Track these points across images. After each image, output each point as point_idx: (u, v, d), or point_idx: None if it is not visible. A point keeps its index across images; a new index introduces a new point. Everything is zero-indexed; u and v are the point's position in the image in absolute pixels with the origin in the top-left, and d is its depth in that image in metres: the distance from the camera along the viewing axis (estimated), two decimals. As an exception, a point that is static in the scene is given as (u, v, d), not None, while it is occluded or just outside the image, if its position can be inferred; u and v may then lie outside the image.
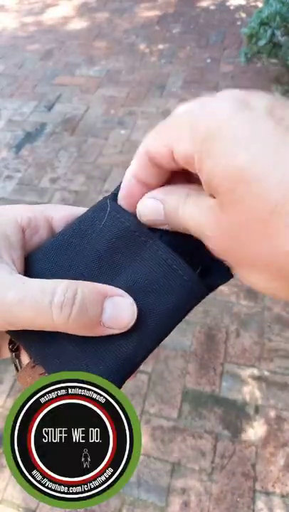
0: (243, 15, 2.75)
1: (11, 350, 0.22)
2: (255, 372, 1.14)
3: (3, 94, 2.36)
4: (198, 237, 0.18)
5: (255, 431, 1.03)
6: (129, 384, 1.13)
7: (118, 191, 0.22)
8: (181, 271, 0.20)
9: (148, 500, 0.95)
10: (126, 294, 0.19)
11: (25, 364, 0.21)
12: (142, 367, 1.00)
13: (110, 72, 2.42)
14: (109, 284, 0.20)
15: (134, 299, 0.19)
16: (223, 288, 1.33)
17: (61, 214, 0.22)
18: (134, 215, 0.21)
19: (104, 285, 0.19)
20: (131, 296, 0.19)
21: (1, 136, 2.06)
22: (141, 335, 0.20)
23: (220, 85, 2.18)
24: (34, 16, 3.22)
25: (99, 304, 0.18)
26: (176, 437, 1.03)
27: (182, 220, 0.18)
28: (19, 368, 0.22)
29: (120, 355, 0.20)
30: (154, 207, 0.19)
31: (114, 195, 0.22)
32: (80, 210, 0.22)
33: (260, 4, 2.55)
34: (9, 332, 0.20)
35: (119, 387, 0.20)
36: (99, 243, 0.21)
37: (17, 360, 0.22)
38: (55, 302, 0.17)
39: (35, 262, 0.21)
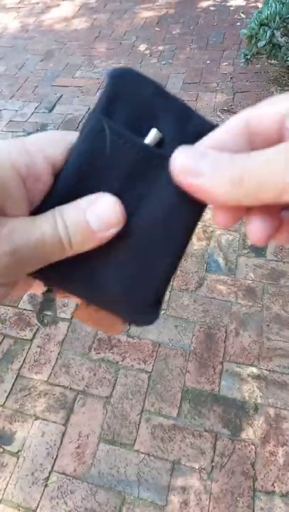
0: (243, 16, 2.76)
1: (48, 291, 0.23)
2: (255, 371, 1.14)
3: (4, 95, 2.37)
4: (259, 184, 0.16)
5: (255, 430, 1.04)
6: (130, 382, 1.13)
7: (111, 93, 0.19)
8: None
9: (148, 499, 0.96)
10: (100, 195, 0.19)
11: (80, 303, 0.22)
12: (142, 366, 1.00)
13: (110, 73, 2.43)
14: (131, 211, 0.19)
15: (159, 220, 0.19)
16: (222, 288, 1.33)
17: (61, 149, 0.20)
18: (141, 140, 0.19)
19: (77, 202, 0.19)
20: (153, 219, 0.19)
21: (2, 137, 2.07)
22: (172, 252, 0.20)
23: (220, 86, 2.18)
24: (35, 16, 3.23)
25: (81, 215, 0.18)
26: (175, 436, 1.04)
27: (244, 165, 0.16)
28: (53, 313, 0.23)
29: (157, 275, 0.20)
30: (200, 153, 0.18)
31: (106, 116, 0.19)
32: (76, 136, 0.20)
33: (259, 5, 2.56)
34: (58, 285, 0.21)
35: (161, 303, 0.21)
36: (109, 177, 0.19)
37: (54, 307, 0.23)
38: (60, 233, 0.18)
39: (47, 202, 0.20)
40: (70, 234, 0.18)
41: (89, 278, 0.20)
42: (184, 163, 0.18)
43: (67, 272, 0.20)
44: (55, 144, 0.19)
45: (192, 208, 0.19)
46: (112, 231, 0.19)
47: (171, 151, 0.18)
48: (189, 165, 0.17)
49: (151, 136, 0.19)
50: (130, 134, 0.19)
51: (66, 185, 0.19)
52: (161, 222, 0.19)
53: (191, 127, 0.20)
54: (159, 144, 0.20)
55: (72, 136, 0.20)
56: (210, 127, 0.20)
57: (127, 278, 0.20)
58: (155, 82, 0.20)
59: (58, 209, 0.18)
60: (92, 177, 0.19)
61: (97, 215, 0.18)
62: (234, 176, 0.16)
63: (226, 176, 0.17)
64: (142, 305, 0.21)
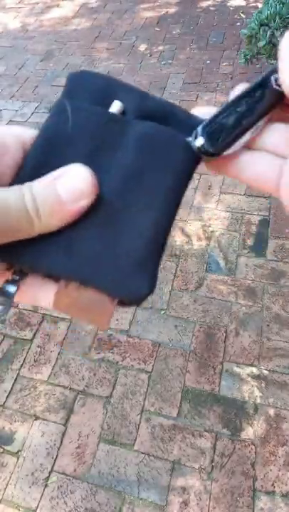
0: (243, 16, 2.76)
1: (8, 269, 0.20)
2: (255, 371, 1.14)
3: (4, 96, 2.37)
4: None
5: (255, 430, 1.04)
6: (130, 382, 1.13)
7: (71, 87, 0.21)
8: (169, 137, 0.19)
9: (148, 499, 0.96)
10: (69, 167, 0.19)
11: (59, 286, 0.20)
12: (142, 365, 1.00)
13: (111, 73, 2.43)
14: (102, 182, 0.19)
15: (133, 186, 0.19)
16: (222, 288, 1.33)
17: (30, 130, 0.20)
18: (103, 109, 0.20)
19: (46, 176, 0.18)
20: (129, 182, 0.19)
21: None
22: (156, 212, 0.19)
23: (220, 86, 2.18)
24: (35, 16, 3.23)
25: (51, 186, 0.18)
26: (175, 436, 1.04)
27: None
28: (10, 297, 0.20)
29: (143, 244, 0.19)
30: None
31: (68, 92, 0.20)
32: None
33: (259, 5, 2.56)
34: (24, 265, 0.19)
35: (156, 275, 0.19)
36: (76, 145, 0.19)
37: (15, 283, 0.20)
38: (26, 202, 0.17)
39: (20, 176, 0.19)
40: (38, 204, 0.17)
41: (65, 249, 0.19)
42: None
43: (40, 247, 0.19)
44: (24, 127, 0.20)
45: (165, 163, 0.19)
46: (84, 202, 0.18)
47: (133, 118, 0.19)
48: None
49: (114, 107, 0.20)
50: (92, 106, 0.20)
51: (34, 162, 0.19)
52: (136, 182, 0.19)
53: (150, 102, 0.20)
54: (122, 114, 0.20)
55: (28, 135, 0.20)
56: (168, 104, 0.20)
57: (108, 245, 0.19)
58: (111, 76, 0.21)
59: (27, 183, 0.18)
60: (58, 151, 0.19)
61: (67, 185, 0.18)
62: None
63: None
64: (130, 273, 0.19)
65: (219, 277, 1.36)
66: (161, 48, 2.60)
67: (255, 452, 1.00)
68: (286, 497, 0.93)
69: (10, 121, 2.17)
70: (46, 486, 0.99)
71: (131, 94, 0.21)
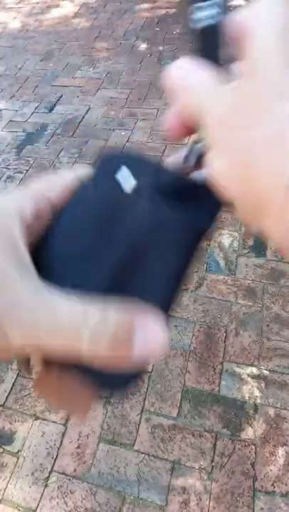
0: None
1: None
2: (254, 371, 1.14)
3: (4, 95, 2.37)
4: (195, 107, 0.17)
5: (255, 430, 1.04)
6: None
7: (94, 176, 0.22)
8: (178, 221, 0.20)
9: (148, 499, 0.96)
10: (154, 314, 0.17)
11: (40, 370, 0.19)
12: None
13: (111, 74, 2.43)
14: (108, 255, 0.19)
15: (138, 264, 0.19)
16: (222, 287, 1.33)
17: (59, 193, 0.21)
18: (113, 181, 0.21)
19: (133, 307, 0.17)
20: (135, 260, 0.19)
21: (2, 137, 2.07)
22: (156, 296, 0.19)
23: (220, 86, 2.18)
24: (35, 16, 3.23)
25: (130, 336, 0.16)
26: (175, 436, 1.04)
27: (188, 86, 0.17)
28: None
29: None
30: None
31: (94, 177, 0.22)
32: (79, 173, 0.22)
33: (259, 5, 2.56)
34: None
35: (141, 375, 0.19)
36: (92, 223, 0.21)
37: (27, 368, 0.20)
38: (86, 335, 0.15)
39: (45, 259, 0.20)
40: (101, 343, 0.15)
41: None
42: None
43: None
44: (53, 186, 0.21)
45: (172, 246, 0.20)
46: (145, 366, 0.16)
47: (146, 195, 0.20)
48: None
49: (128, 184, 0.21)
50: (110, 184, 0.21)
51: (62, 229, 0.21)
52: (143, 262, 0.20)
53: (165, 179, 0.22)
54: (136, 191, 0.21)
55: (70, 176, 0.22)
56: (181, 179, 0.22)
57: None
58: (136, 154, 0.23)
59: (100, 310, 0.16)
60: (80, 222, 0.21)
61: (144, 344, 0.16)
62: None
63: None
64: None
65: (219, 277, 1.36)
66: (161, 47, 2.60)
67: (255, 452, 1.00)
68: (286, 497, 0.93)
69: (10, 121, 2.18)
70: (46, 486, 0.99)
71: (147, 170, 0.22)
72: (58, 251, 0.20)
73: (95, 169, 0.23)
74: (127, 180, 0.22)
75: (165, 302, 0.20)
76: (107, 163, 0.23)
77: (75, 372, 0.18)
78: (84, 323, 0.15)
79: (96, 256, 0.20)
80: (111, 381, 0.18)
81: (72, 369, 0.18)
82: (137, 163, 0.22)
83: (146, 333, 0.16)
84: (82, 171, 0.22)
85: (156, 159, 0.23)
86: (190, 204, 0.21)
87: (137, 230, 0.20)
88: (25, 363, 0.19)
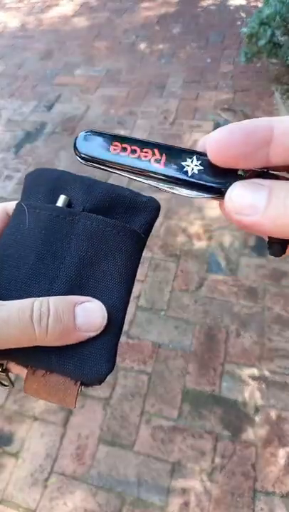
0: (243, 15, 2.75)
1: (1, 371, 0.23)
2: (255, 372, 1.13)
3: (3, 94, 2.36)
4: None
5: (255, 431, 1.03)
6: (129, 384, 1.13)
7: (27, 186, 0.24)
8: (114, 229, 0.21)
9: (148, 500, 0.95)
10: (93, 299, 0.20)
11: (25, 374, 0.22)
12: (142, 367, 1.00)
13: (110, 72, 2.42)
14: (57, 273, 0.21)
15: (87, 275, 0.21)
16: (222, 288, 1.33)
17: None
18: (52, 205, 0.23)
19: (72, 296, 0.20)
20: (84, 272, 0.21)
21: (0, 136, 2.06)
22: (111, 297, 0.21)
23: (220, 85, 2.18)
24: (34, 15, 3.22)
25: (71, 311, 0.19)
26: (176, 437, 1.03)
27: None
28: (13, 384, 0.23)
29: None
30: (254, 196, 0.15)
31: (26, 200, 0.23)
32: (8, 206, 0.24)
33: (260, 4, 2.55)
34: None
35: (114, 355, 0.22)
36: (33, 243, 0.22)
37: (8, 379, 0.23)
38: (34, 317, 0.18)
39: None
40: (49, 327, 0.18)
41: None
42: (238, 204, 0.16)
43: None
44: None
45: (112, 252, 0.22)
46: (92, 334, 0.19)
47: (79, 209, 0.22)
48: (243, 205, 0.16)
49: (60, 201, 0.23)
50: (43, 203, 0.23)
51: (3, 255, 0.22)
52: (89, 271, 0.21)
53: (95, 189, 0.23)
54: (69, 205, 0.23)
55: (10, 205, 0.24)
56: (111, 186, 0.23)
57: None
58: (60, 170, 0.24)
59: (43, 299, 0.19)
60: (19, 245, 0.22)
61: (86, 315, 0.19)
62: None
63: (281, 215, 0.15)
64: (89, 357, 0.21)
65: (220, 277, 1.36)
66: (161, 46, 2.59)
67: (256, 453, 1.00)
68: (286, 498, 0.93)
69: (9, 119, 2.17)
70: (46, 486, 0.99)
71: (78, 184, 0.23)
72: (5, 276, 0.21)
73: (24, 191, 0.24)
74: (58, 197, 0.23)
75: (115, 310, 0.21)
76: (34, 182, 0.24)
77: (54, 370, 0.20)
78: (30, 309, 0.18)
79: (42, 277, 0.21)
80: (86, 371, 0.21)
81: (51, 368, 0.20)
82: (65, 179, 0.23)
83: (85, 307, 0.19)
84: (11, 204, 0.24)
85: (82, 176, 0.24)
86: (123, 212, 0.22)
87: (78, 246, 0.21)
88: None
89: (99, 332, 0.20)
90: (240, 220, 0.16)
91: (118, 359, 1.18)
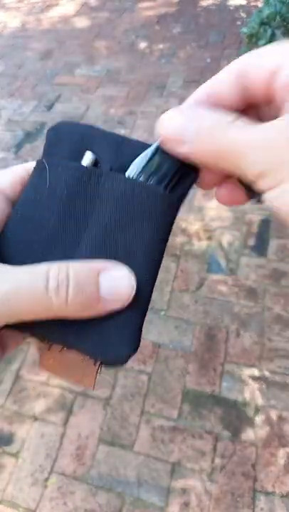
0: (243, 15, 2.75)
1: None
2: (256, 372, 1.13)
3: (3, 94, 2.36)
4: (236, 158, 0.16)
5: (256, 431, 1.03)
6: (129, 384, 1.13)
7: (50, 143, 0.22)
8: (144, 191, 0.19)
9: (148, 500, 0.95)
10: (120, 264, 0.18)
11: (43, 348, 0.20)
12: (142, 367, 1.00)
13: (110, 72, 2.42)
14: (79, 239, 0.19)
15: (113, 243, 0.19)
16: (223, 288, 1.33)
17: (8, 180, 0.21)
18: (77, 163, 0.20)
19: (95, 260, 0.18)
20: (108, 239, 0.19)
21: (0, 136, 2.06)
22: (138, 268, 0.19)
23: (220, 85, 2.17)
24: (34, 15, 3.22)
25: (94, 279, 0.17)
26: (176, 437, 1.03)
27: (223, 140, 0.16)
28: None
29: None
30: (183, 120, 0.17)
31: (48, 157, 0.21)
32: (28, 166, 0.22)
33: (260, 4, 2.55)
34: (18, 329, 0.19)
35: (139, 335, 0.19)
36: (54, 204, 0.20)
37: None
38: (50, 286, 0.16)
39: (4, 247, 0.19)
40: (69, 297, 0.16)
41: None
42: (168, 131, 0.17)
43: None
44: (4, 174, 0.21)
45: (143, 217, 0.19)
46: (119, 305, 0.17)
47: (106, 168, 0.20)
48: (173, 133, 0.17)
49: (86, 158, 0.21)
50: (66, 161, 0.20)
51: (21, 215, 0.20)
52: (115, 238, 0.19)
53: (125, 147, 0.21)
54: (95, 164, 0.21)
55: (21, 168, 0.22)
56: (143, 146, 0.21)
57: None
58: (87, 124, 0.22)
59: (64, 264, 0.17)
60: (40, 208, 0.20)
61: (111, 285, 0.17)
62: (215, 151, 0.16)
63: (207, 150, 0.16)
64: (112, 335, 0.18)
65: (220, 277, 1.36)
66: (161, 46, 2.59)
67: (256, 453, 1.00)
68: (286, 498, 0.93)
69: (9, 119, 2.17)
70: (46, 486, 0.99)
71: (106, 142, 0.21)
72: (21, 239, 0.19)
73: (46, 147, 0.22)
74: (83, 154, 0.20)
75: (143, 283, 0.19)
76: (57, 138, 0.21)
77: (72, 346, 0.19)
78: (45, 277, 0.16)
79: (63, 242, 0.19)
80: (107, 351, 0.18)
81: (68, 344, 0.19)
82: (92, 135, 0.21)
83: (111, 275, 0.17)
84: (32, 164, 0.22)
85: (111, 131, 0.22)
86: (156, 176, 0.20)
87: (103, 210, 0.19)
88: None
89: (126, 304, 0.17)
90: (173, 150, 0.17)
91: (118, 359, 1.18)
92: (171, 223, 0.20)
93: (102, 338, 0.18)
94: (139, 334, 0.19)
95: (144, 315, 0.19)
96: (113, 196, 0.19)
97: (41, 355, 0.20)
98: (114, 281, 0.17)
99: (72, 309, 0.16)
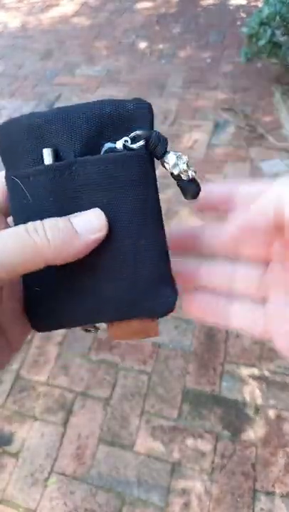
0: (243, 15, 2.75)
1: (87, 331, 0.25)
2: (255, 372, 1.13)
3: (3, 94, 2.36)
4: None
5: (256, 431, 1.03)
6: (129, 384, 1.13)
7: (11, 169, 0.21)
8: (115, 164, 0.19)
9: (148, 500, 0.95)
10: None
11: (107, 326, 0.23)
12: (142, 367, 0.99)
13: (110, 72, 2.42)
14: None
15: (114, 214, 0.20)
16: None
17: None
18: (42, 166, 0.20)
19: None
20: (108, 216, 0.20)
21: (1, 136, 2.06)
22: (141, 228, 0.20)
23: (220, 85, 2.17)
24: (34, 15, 3.22)
25: (66, 220, 0.19)
26: (176, 437, 1.03)
27: None
28: (97, 329, 0.25)
29: (150, 266, 0.21)
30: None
31: (13, 170, 0.21)
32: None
33: (260, 4, 2.55)
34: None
35: (174, 280, 0.22)
36: (45, 213, 0.20)
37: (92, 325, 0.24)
38: (29, 229, 0.18)
39: None
40: (48, 234, 0.18)
41: (90, 301, 0.21)
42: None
43: (67, 307, 0.21)
44: None
45: (128, 185, 0.20)
46: (99, 235, 0.19)
47: (71, 157, 0.20)
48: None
49: (46, 156, 0.20)
50: (31, 168, 0.20)
51: (13, 207, 0.21)
52: (115, 214, 0.20)
53: (76, 121, 0.20)
54: (58, 157, 0.20)
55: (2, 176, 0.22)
56: (93, 112, 0.20)
57: (126, 278, 0.20)
58: (26, 116, 0.20)
59: (37, 221, 0.19)
60: (33, 217, 0.20)
61: (82, 220, 0.19)
62: None
63: None
64: (155, 294, 0.21)
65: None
66: (161, 46, 2.59)
67: (256, 453, 1.00)
68: (286, 498, 0.93)
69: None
70: (46, 486, 0.99)
71: (55, 127, 0.20)
72: None
73: (3, 156, 0.21)
74: (41, 152, 0.20)
75: (151, 241, 0.20)
76: (8, 145, 0.21)
77: (130, 317, 0.21)
78: (25, 226, 0.18)
79: None
80: (158, 307, 0.21)
81: (127, 317, 0.22)
82: (37, 126, 0.20)
83: (78, 215, 0.19)
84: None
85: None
86: (114, 133, 0.20)
87: (89, 197, 0.20)
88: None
89: (104, 232, 0.19)
90: None
91: (118, 359, 1.18)
92: (154, 174, 0.21)
93: (148, 300, 0.21)
94: (173, 280, 0.22)
95: (167, 264, 0.21)
96: (91, 181, 0.19)
97: (108, 330, 0.23)
98: (83, 217, 0.19)
99: (55, 246, 0.18)
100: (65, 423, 1.08)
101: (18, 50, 2.79)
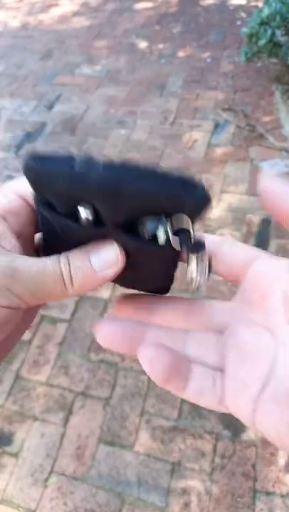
0: (244, 14, 2.75)
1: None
2: (255, 372, 1.13)
3: (3, 94, 2.36)
4: None
5: (256, 431, 1.03)
6: (129, 384, 1.13)
7: (42, 205, 0.20)
8: (152, 252, 0.20)
9: (148, 500, 0.95)
10: (104, 240, 0.21)
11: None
12: (141, 367, 0.98)
13: (110, 72, 2.42)
14: None
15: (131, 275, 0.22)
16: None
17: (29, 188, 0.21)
18: (77, 224, 0.20)
19: (86, 246, 0.21)
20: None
21: (0, 136, 2.06)
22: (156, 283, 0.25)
23: (220, 85, 2.17)
24: (34, 15, 3.22)
25: (85, 258, 0.20)
26: (176, 437, 1.03)
27: None
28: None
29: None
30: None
31: (44, 206, 0.20)
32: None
33: (260, 4, 2.55)
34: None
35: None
36: (71, 239, 0.21)
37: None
38: (62, 270, 0.20)
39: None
40: (71, 271, 0.20)
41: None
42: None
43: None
44: (25, 182, 0.21)
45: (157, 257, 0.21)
46: (112, 270, 0.20)
47: (109, 226, 0.19)
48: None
49: (82, 213, 0.19)
50: (64, 218, 0.20)
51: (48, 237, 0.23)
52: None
53: (124, 193, 0.17)
54: (96, 214, 0.19)
55: (20, 188, 0.22)
56: (146, 190, 0.17)
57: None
58: (64, 156, 0.18)
59: (64, 253, 0.21)
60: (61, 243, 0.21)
61: (98, 256, 0.20)
62: None
63: None
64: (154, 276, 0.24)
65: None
66: (161, 46, 2.59)
67: (256, 453, 1.00)
68: (286, 498, 0.93)
69: (9, 119, 2.17)
70: (46, 486, 0.99)
71: (96, 191, 0.17)
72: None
73: (32, 187, 0.20)
74: (76, 206, 0.19)
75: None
76: (40, 182, 0.19)
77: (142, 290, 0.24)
78: (58, 262, 0.20)
79: None
80: (160, 283, 0.25)
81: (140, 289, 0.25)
82: (78, 179, 0.17)
83: (96, 251, 0.20)
84: (19, 187, 0.22)
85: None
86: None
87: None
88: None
89: (120, 266, 0.21)
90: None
91: (118, 359, 1.18)
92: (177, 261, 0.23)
93: (152, 281, 0.24)
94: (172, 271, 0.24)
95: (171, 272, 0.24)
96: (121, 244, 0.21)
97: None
98: (101, 254, 0.20)
99: (78, 285, 0.20)
100: (65, 423, 1.08)
101: (18, 49, 2.78)
